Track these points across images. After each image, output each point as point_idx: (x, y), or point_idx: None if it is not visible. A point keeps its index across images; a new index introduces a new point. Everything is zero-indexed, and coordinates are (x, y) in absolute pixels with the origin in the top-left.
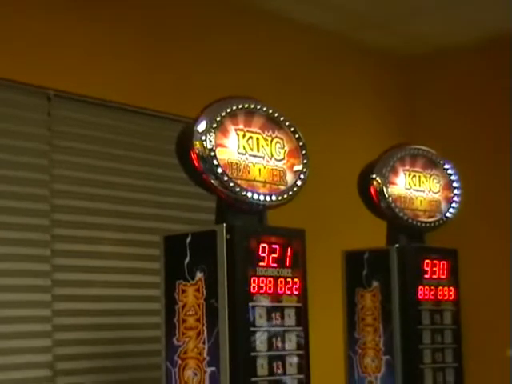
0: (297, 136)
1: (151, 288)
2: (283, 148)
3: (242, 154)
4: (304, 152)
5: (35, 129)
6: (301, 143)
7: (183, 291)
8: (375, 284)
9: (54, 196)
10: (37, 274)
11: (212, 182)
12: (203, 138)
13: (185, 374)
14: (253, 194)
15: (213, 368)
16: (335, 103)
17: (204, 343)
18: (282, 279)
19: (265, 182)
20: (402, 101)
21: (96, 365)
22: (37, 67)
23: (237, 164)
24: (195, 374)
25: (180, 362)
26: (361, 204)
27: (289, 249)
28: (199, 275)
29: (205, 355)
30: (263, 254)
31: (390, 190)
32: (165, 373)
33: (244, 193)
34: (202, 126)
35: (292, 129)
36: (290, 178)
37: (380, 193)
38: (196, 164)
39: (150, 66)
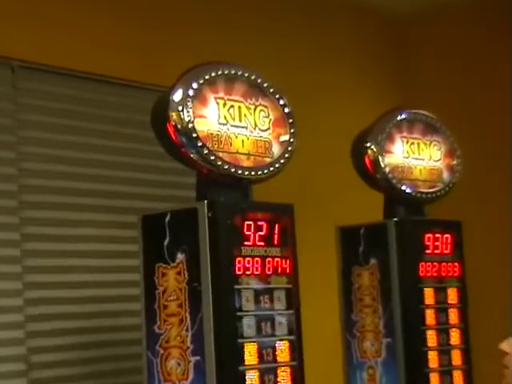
0: (282, 103)
1: (131, 272)
2: (268, 117)
3: (223, 124)
4: (291, 121)
5: None
6: (287, 111)
7: (163, 275)
8: (373, 261)
9: (22, 175)
10: (6, 260)
11: (191, 156)
12: (180, 108)
13: (167, 364)
14: (236, 167)
15: (197, 357)
16: (326, 67)
17: (187, 330)
18: (270, 259)
19: (249, 155)
20: (398, 63)
21: (74, 356)
22: None
23: (217, 135)
24: (178, 364)
25: (162, 351)
26: (355, 175)
27: (276, 226)
28: (180, 257)
29: (188, 343)
30: (249, 232)
31: (386, 159)
32: (146, 363)
33: (226, 166)
34: (178, 96)
35: (277, 96)
36: (276, 149)
37: (375, 162)
38: (173, 137)
39: (123, 32)
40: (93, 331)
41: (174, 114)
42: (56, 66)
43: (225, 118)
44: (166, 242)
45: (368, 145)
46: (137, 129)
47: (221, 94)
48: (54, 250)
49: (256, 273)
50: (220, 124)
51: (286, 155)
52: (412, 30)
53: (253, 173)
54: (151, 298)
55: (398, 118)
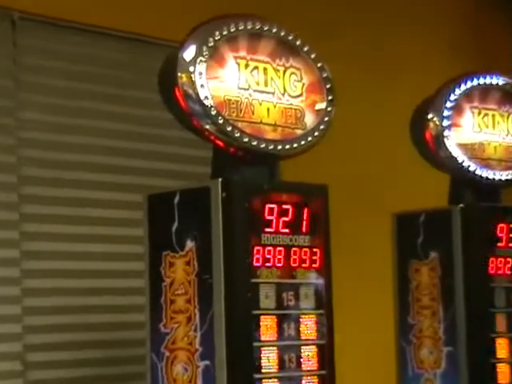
0: (319, 65)
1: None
2: (300, 81)
3: (245, 89)
4: (329, 86)
5: None
6: (324, 75)
7: (171, 264)
8: (433, 255)
9: (22, 145)
10: (2, 243)
11: (205, 126)
12: (191, 68)
13: (173, 369)
14: (259, 140)
15: (207, 362)
16: (378, 19)
17: (196, 330)
18: (297, 249)
19: (275, 125)
20: (475, 20)
21: (74, 356)
22: None
23: (237, 102)
24: (186, 370)
25: (168, 354)
26: (415, 153)
27: (305, 210)
28: (189, 244)
29: (197, 346)
30: (270, 217)
31: (452, 133)
32: (150, 367)
33: (246, 139)
34: (189, 54)
35: (312, 56)
36: (309, 119)
37: (438, 138)
38: (182, 103)
39: None
40: (96, 328)
41: (183, 75)
42: (63, 19)
43: (246, 81)
44: (174, 227)
45: (430, 117)
46: (154, 92)
47: (242, 53)
48: (55, 233)
49: (278, 265)
50: (240, 89)
51: (322, 127)
52: None
53: (279, 147)
54: (157, 292)
55: (468, 84)
